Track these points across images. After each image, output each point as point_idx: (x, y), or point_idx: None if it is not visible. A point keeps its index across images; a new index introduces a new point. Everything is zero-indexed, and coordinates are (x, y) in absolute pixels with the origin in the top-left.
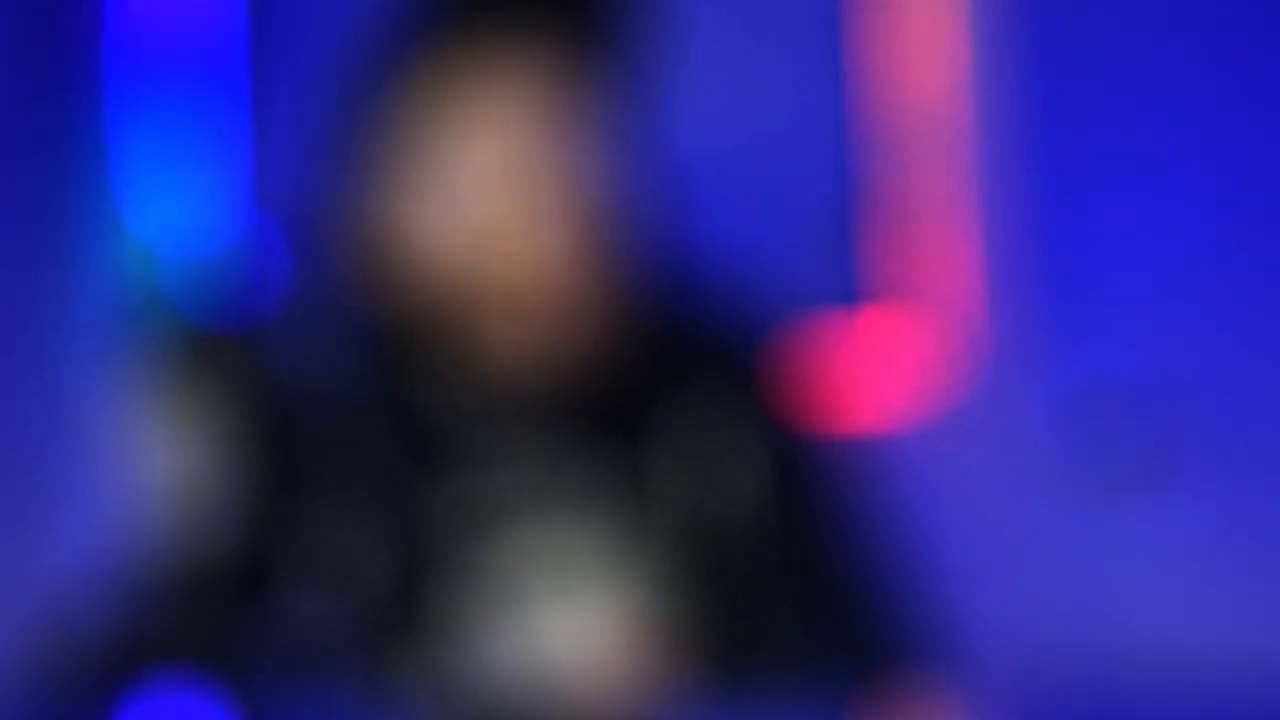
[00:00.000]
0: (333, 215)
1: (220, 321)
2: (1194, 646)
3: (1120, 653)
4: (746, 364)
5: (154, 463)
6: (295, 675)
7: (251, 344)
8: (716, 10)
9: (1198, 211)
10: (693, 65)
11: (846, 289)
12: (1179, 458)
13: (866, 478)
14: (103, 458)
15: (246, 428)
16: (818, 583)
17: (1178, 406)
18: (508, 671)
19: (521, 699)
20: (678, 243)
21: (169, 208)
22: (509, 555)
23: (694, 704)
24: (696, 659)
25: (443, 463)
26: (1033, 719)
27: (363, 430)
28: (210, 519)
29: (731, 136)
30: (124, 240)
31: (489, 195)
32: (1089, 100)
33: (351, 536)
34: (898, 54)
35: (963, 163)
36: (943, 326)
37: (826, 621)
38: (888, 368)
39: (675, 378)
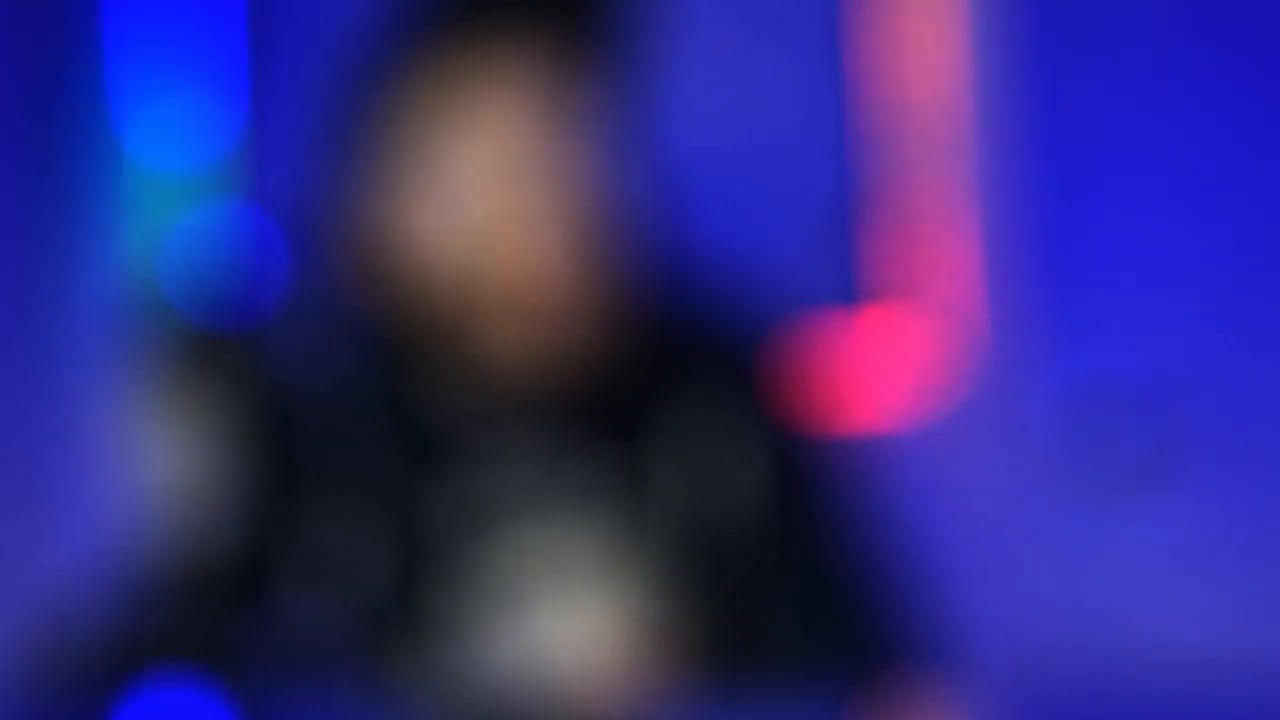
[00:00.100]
0: (332, 215)
1: (220, 321)
2: (1194, 646)
3: (1120, 653)
4: (746, 364)
5: (154, 463)
6: (295, 675)
7: (251, 344)
8: (716, 10)
9: (1197, 211)
10: (692, 65)
11: (846, 289)
12: (1179, 458)
13: (866, 478)
14: (103, 458)
15: (246, 428)
16: (817, 583)
17: (1178, 406)
18: (507, 671)
19: (521, 699)
20: (677, 243)
21: (169, 207)
22: (509, 555)
23: (693, 704)
24: (696, 659)
25: (442, 463)
26: (1032, 719)
27: (363, 430)
28: (210, 519)
29: (731, 136)
30: (124, 240)
31: (488, 195)
32: (1089, 100)
33: (351, 536)
34: (898, 54)
35: (963, 163)
36: (943, 327)
37: (826, 621)
38: (888, 368)
39: (675, 378)
